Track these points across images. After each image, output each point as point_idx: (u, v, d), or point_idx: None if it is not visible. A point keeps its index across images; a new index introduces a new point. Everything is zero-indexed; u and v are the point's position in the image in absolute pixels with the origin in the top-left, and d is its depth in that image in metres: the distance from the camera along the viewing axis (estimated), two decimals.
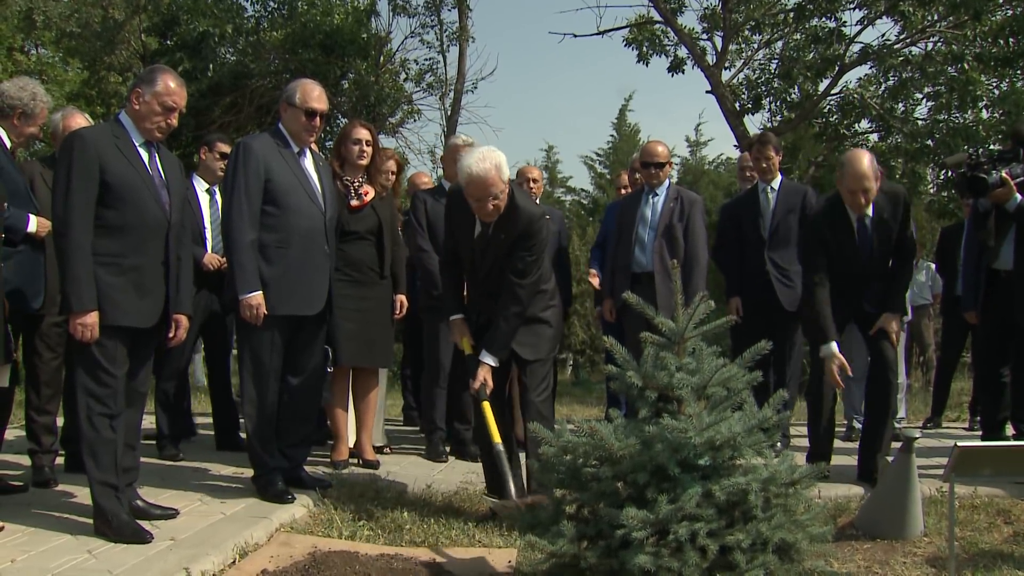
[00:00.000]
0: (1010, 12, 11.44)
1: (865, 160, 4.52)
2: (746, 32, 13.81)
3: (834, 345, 4.54)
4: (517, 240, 3.98)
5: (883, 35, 16.83)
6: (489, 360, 4.01)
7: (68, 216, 3.45)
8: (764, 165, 5.70)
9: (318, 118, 4.29)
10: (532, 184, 6.00)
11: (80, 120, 4.68)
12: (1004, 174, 4.84)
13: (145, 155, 3.67)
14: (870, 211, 4.62)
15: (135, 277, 3.58)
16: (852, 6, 12.61)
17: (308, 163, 4.34)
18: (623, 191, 6.59)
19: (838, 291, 4.65)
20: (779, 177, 5.76)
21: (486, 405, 4.00)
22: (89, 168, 3.48)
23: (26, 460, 4.52)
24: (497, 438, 3.91)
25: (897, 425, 6.42)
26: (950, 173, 12.15)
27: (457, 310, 4.26)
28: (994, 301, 5.13)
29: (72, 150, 3.50)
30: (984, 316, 5.30)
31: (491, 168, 3.82)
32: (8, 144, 4.20)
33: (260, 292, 4.08)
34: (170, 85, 3.66)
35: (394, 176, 5.46)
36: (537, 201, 6.09)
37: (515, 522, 3.52)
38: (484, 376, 4.00)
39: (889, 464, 4.20)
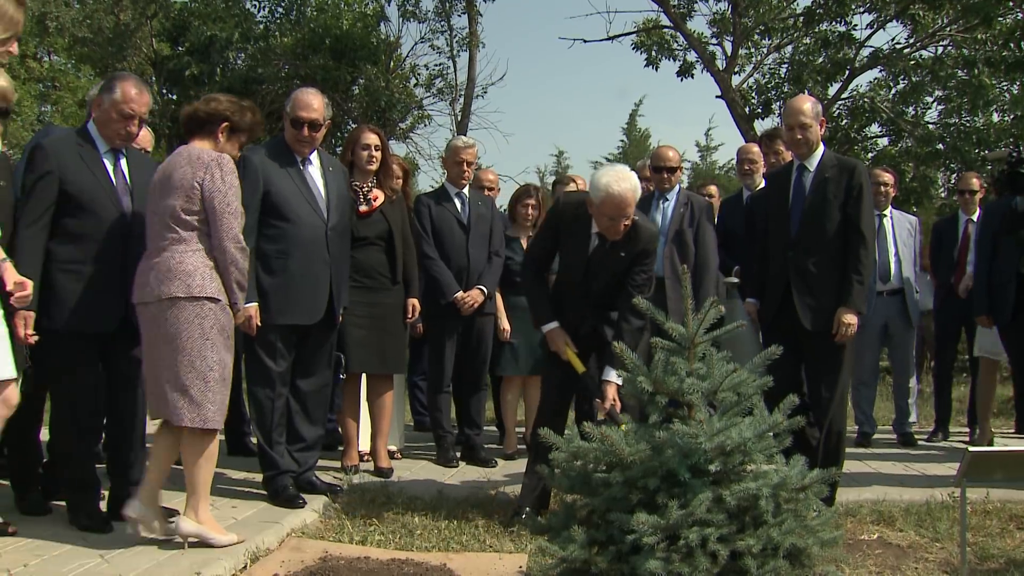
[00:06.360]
0: (1020, 16, 11.40)
1: (807, 100, 4.43)
2: (756, 37, 13.80)
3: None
4: (638, 256, 4.00)
5: (893, 39, 16.76)
6: (616, 377, 3.84)
7: (22, 220, 3.54)
8: (773, 160, 5.66)
9: (306, 127, 4.26)
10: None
11: (144, 134, 4.55)
12: None
13: (109, 163, 3.70)
14: (812, 164, 4.33)
15: (94, 282, 3.62)
16: (862, 10, 12.59)
17: (313, 171, 4.35)
18: None
19: (771, 258, 4.44)
20: None
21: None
22: (46, 178, 3.54)
23: None
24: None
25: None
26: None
27: (553, 317, 4.13)
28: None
29: (33, 160, 3.59)
30: (1016, 323, 5.13)
31: (629, 189, 3.79)
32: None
33: (256, 304, 4.10)
34: (129, 92, 3.65)
35: (400, 181, 5.46)
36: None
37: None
38: (613, 395, 3.92)
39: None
